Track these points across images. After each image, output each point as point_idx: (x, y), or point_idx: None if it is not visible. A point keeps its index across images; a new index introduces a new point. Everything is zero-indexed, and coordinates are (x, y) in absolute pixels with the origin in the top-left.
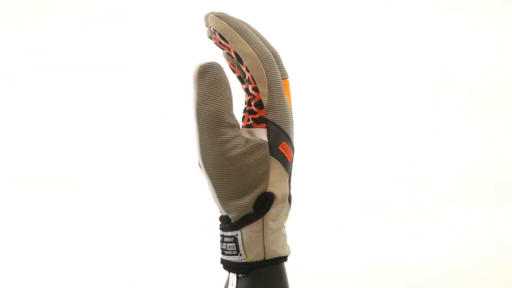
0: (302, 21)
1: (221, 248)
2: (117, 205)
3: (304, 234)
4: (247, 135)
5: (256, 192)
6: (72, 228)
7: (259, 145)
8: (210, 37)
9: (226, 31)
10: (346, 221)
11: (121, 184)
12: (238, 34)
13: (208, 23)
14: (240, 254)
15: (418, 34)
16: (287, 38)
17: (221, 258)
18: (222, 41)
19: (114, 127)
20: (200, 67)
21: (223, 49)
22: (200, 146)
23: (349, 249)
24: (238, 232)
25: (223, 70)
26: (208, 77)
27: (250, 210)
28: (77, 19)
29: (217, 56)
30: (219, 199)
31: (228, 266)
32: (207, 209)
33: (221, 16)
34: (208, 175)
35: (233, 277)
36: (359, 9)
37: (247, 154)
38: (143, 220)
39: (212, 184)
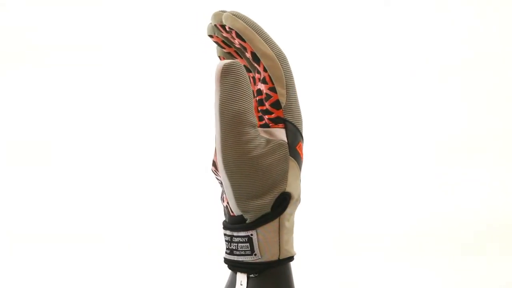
0: (302, 22)
1: (229, 249)
2: (115, 204)
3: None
4: (265, 135)
5: (276, 192)
6: (71, 227)
7: (280, 145)
8: (210, 36)
9: (245, 30)
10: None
11: (120, 184)
12: (256, 34)
13: (220, 21)
14: (255, 254)
15: (418, 33)
16: (288, 38)
17: (226, 259)
18: (238, 40)
19: (113, 126)
20: (224, 66)
21: (223, 48)
22: (221, 146)
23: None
24: (253, 232)
25: (244, 69)
26: (231, 76)
27: (268, 210)
28: (76, 18)
29: (214, 55)
30: (236, 199)
31: (237, 266)
32: (207, 209)
33: (238, 15)
34: (228, 174)
35: (242, 277)
36: (359, 9)
37: (269, 154)
38: (142, 220)
39: (231, 184)
